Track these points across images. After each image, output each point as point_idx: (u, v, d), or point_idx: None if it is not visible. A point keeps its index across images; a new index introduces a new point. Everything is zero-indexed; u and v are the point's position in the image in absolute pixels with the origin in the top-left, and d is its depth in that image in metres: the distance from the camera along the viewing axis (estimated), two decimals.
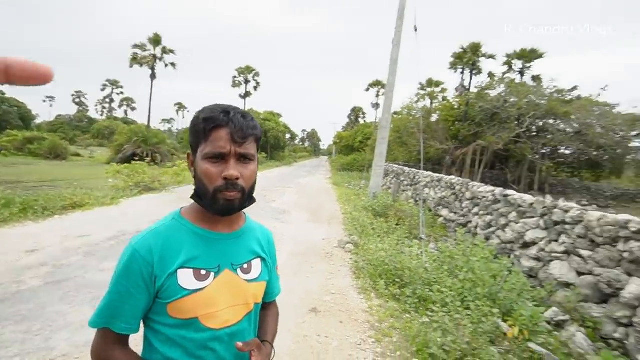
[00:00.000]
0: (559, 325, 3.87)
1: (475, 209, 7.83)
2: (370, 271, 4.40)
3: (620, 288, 3.94)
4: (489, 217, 7.14)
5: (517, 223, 6.14)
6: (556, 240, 5.15)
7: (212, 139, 0.78)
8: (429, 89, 28.46)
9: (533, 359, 3.03)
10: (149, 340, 0.83)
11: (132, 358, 0.80)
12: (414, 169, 13.96)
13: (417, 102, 29.84)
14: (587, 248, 4.58)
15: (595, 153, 22.35)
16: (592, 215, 4.66)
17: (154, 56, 28.40)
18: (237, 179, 0.79)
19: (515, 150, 21.94)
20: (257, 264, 0.91)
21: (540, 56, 24.53)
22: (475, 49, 25.24)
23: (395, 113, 27.00)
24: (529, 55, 24.53)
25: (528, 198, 6.16)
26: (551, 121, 21.99)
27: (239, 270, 0.86)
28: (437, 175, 10.95)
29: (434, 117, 26.91)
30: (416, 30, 8.88)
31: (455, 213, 8.90)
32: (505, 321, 3.45)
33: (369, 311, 3.58)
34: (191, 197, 0.86)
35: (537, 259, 5.35)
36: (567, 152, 23.91)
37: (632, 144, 22.67)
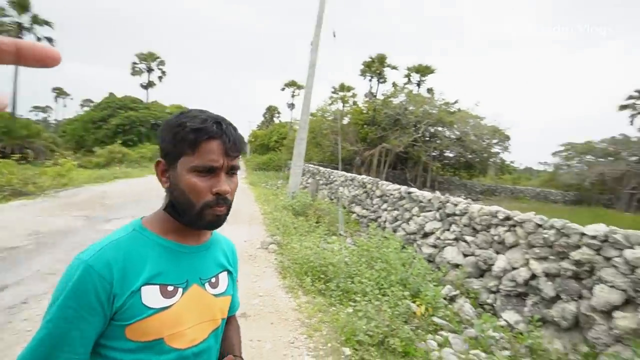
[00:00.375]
0: (452, 299, 4.63)
1: (385, 205, 8.67)
2: (296, 270, 4.57)
3: (492, 264, 4.89)
4: (395, 212, 8.00)
5: (418, 216, 7.03)
6: (448, 230, 6.08)
7: (203, 152, 0.72)
8: (341, 93, 29.97)
9: (436, 330, 3.60)
10: None
11: None
12: (328, 169, 14.67)
13: (330, 104, 31.18)
14: (470, 234, 5.54)
15: (470, 156, 26.75)
16: (474, 207, 5.65)
17: (20, 25, 23.00)
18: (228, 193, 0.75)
19: (413, 152, 24.75)
20: (224, 278, 0.86)
21: (432, 72, 27.99)
22: (381, 59, 27.54)
23: (311, 114, 27.79)
24: (425, 70, 27.81)
25: (427, 194, 7.11)
26: (440, 128, 25.43)
27: (207, 285, 0.80)
28: (351, 174, 11.74)
29: (346, 120, 28.56)
30: (335, 36, 9.40)
31: (367, 209, 9.69)
32: (414, 302, 4.00)
33: (298, 309, 3.72)
34: (165, 210, 0.78)
35: (435, 246, 6.24)
36: (451, 155, 28.10)
37: (494, 150, 27.95)
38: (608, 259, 3.53)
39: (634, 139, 27.00)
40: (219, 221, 0.76)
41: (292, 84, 37.86)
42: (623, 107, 30.32)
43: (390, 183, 9.11)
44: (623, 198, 26.07)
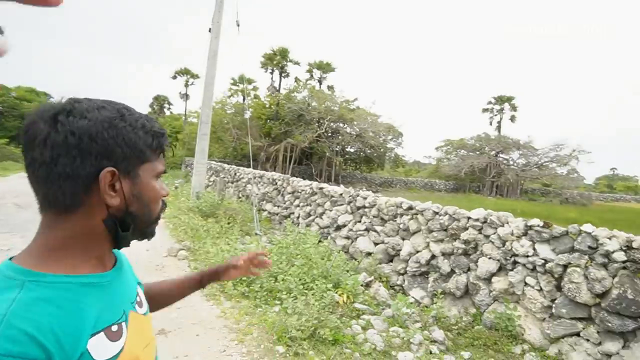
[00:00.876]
0: (368, 285, 5.15)
1: (297, 202, 8.96)
2: None
3: (399, 249, 5.59)
4: (308, 208, 8.35)
5: (331, 210, 7.50)
6: (360, 221, 6.68)
7: (161, 157, 0.69)
8: (241, 85, 29.28)
9: (358, 315, 3.99)
10: None
11: None
12: (233, 166, 14.33)
13: (230, 97, 30.18)
14: (379, 224, 6.20)
15: (369, 151, 29.49)
16: (381, 199, 6.33)
17: None
18: None
19: (317, 148, 25.86)
20: (140, 292, 0.77)
21: (333, 69, 29.52)
22: (284, 53, 27.80)
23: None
24: (326, 67, 29.13)
25: (338, 189, 7.63)
26: (341, 125, 27.19)
27: (136, 307, 0.71)
28: (259, 171, 11.71)
29: (248, 114, 28.09)
30: (238, 25, 9.19)
31: (278, 206, 9.85)
32: (336, 292, 4.34)
33: (223, 315, 3.66)
34: (115, 235, 0.64)
35: (348, 238, 6.77)
36: (352, 150, 30.42)
37: (389, 145, 31.45)
38: (487, 236, 4.43)
39: (493, 137, 33.36)
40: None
41: (185, 71, 35.27)
42: (485, 110, 37.13)
43: (302, 179, 9.44)
44: (487, 185, 32.08)
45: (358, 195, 6.94)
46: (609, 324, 3.07)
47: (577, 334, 3.34)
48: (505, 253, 4.17)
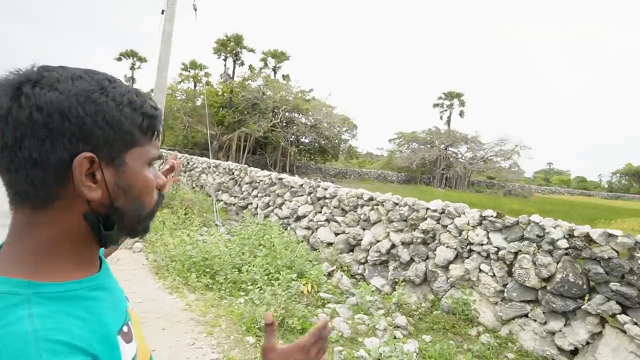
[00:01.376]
0: (330, 275, 5.23)
1: (255, 192, 8.80)
2: (177, 267, 4.27)
3: (360, 239, 5.74)
4: (267, 198, 8.25)
5: (290, 201, 7.47)
6: (320, 212, 6.73)
7: (154, 140, 0.57)
8: (193, 71, 27.94)
9: (324, 304, 4.05)
10: None
11: None
12: (186, 154, 13.68)
13: (180, 82, 28.67)
14: (340, 215, 6.30)
15: (323, 142, 29.72)
16: (342, 190, 6.43)
17: None
18: None
19: (272, 137, 25.55)
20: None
21: (288, 58, 29.15)
22: (238, 40, 26.87)
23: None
24: (280, 56, 28.68)
25: (298, 180, 7.61)
26: (297, 115, 27.09)
27: (129, 302, 0.66)
28: (215, 161, 11.30)
29: (199, 102, 26.90)
30: (195, 9, 8.71)
31: (235, 197, 9.61)
32: (301, 282, 4.36)
33: (188, 308, 3.55)
34: (98, 234, 0.53)
35: (308, 228, 6.80)
36: (307, 140, 30.49)
37: (344, 137, 32.00)
38: (445, 226, 4.70)
39: (443, 131, 35.26)
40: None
41: (131, 53, 32.69)
42: (435, 105, 39.05)
43: (260, 169, 9.28)
44: (437, 177, 33.95)
45: (319, 186, 6.98)
46: (554, 305, 3.42)
47: (526, 315, 3.69)
48: (461, 242, 4.45)
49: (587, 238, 3.37)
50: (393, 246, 5.26)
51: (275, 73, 29.75)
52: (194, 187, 11.33)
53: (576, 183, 69.27)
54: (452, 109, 38.44)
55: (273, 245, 4.92)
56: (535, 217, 3.80)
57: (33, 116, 0.45)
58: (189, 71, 29.38)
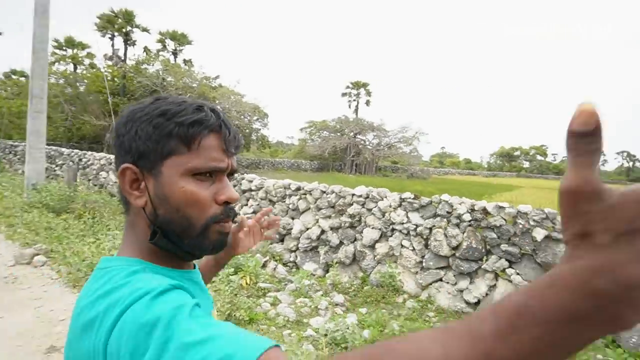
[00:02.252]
0: (264, 265, 5.41)
1: None
2: None
3: (290, 229, 6.02)
4: None
5: None
6: (247, 205, 6.79)
7: (203, 149, 0.56)
8: (70, 50, 24.35)
9: (264, 293, 4.24)
10: None
11: None
12: (77, 150, 12.11)
13: (53, 63, 24.82)
14: (268, 206, 6.47)
15: None
16: (269, 182, 6.59)
17: None
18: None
19: None
20: None
21: (189, 42, 27.38)
22: (128, 17, 24.16)
23: (25, 76, 21.33)
24: (181, 39, 26.77)
25: None
26: None
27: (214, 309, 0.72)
28: (114, 156, 10.27)
29: (82, 87, 23.62)
30: None
31: None
32: (238, 276, 4.45)
33: None
34: (151, 242, 0.57)
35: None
36: None
37: (255, 126, 31.73)
38: (370, 209, 5.26)
39: (351, 120, 37.38)
40: (225, 240, 0.61)
41: None
42: (344, 94, 41.07)
43: None
44: (347, 164, 36.01)
45: (243, 179, 7.01)
46: (461, 268, 4.21)
47: (441, 280, 4.44)
48: (385, 223, 5.05)
49: (484, 211, 4.21)
50: (323, 232, 5.66)
51: (175, 57, 27.72)
52: (91, 187, 10.17)
53: (464, 164, 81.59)
54: (359, 98, 40.97)
55: None
56: (445, 196, 4.55)
57: (115, 139, 0.60)
58: (65, 50, 25.57)
